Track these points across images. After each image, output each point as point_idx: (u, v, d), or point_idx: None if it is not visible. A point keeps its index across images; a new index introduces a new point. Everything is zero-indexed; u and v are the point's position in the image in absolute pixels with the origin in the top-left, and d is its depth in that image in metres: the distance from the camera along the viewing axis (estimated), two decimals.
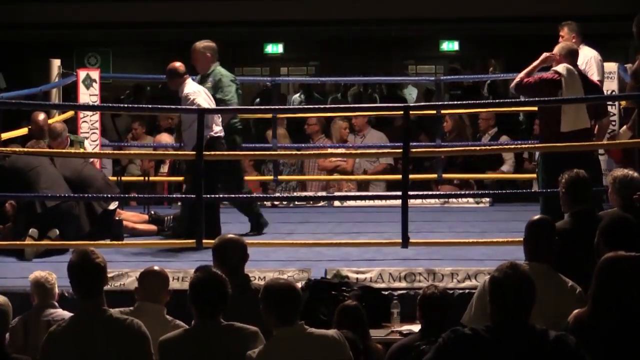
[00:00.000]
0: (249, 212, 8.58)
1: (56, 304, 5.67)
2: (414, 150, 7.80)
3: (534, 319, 3.78)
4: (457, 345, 3.68)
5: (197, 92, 8.03)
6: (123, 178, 10.34)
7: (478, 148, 10.52)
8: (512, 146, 10.34)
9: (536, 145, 8.61)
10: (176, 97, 8.27)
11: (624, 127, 7.60)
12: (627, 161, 7.79)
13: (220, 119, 8.19)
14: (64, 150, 8.41)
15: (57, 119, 9.42)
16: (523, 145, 10.25)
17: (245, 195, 8.52)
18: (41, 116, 8.75)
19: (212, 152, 7.65)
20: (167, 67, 8.20)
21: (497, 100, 11.65)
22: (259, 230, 8.48)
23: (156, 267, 5.23)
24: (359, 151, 10.20)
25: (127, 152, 7.73)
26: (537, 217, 5.15)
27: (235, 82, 8.50)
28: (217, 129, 8.08)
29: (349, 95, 15.22)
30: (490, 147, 10.31)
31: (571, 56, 7.36)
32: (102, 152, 9.48)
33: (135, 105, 8.10)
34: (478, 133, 11.21)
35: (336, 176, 10.85)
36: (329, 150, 10.46)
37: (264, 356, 4.21)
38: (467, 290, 6.43)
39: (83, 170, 8.35)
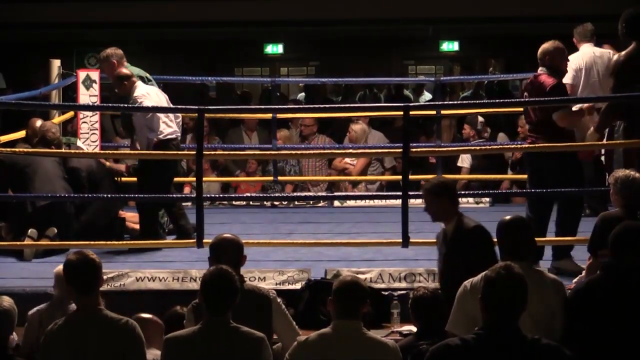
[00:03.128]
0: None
1: None
2: (413, 150, 7.79)
3: (522, 317, 3.78)
4: (445, 358, 3.68)
5: (145, 95, 7.90)
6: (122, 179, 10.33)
7: (478, 148, 10.51)
8: (512, 146, 10.32)
9: (537, 145, 8.58)
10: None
11: (592, 128, 7.40)
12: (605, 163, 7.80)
13: (174, 121, 8.04)
14: (63, 150, 8.40)
15: (57, 120, 9.42)
16: (523, 145, 10.21)
17: (247, 195, 8.50)
18: (38, 122, 8.77)
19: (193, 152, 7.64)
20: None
21: (497, 101, 11.60)
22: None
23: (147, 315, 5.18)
24: (359, 151, 10.17)
25: (123, 151, 7.72)
26: (510, 216, 5.00)
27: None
28: (168, 131, 7.91)
29: (357, 98, 15.19)
30: (490, 147, 10.30)
31: None
32: (100, 151, 9.46)
33: (135, 106, 8.05)
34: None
35: (335, 177, 10.84)
36: (327, 151, 10.42)
37: (317, 342, 4.29)
38: None
39: (98, 165, 8.47)
